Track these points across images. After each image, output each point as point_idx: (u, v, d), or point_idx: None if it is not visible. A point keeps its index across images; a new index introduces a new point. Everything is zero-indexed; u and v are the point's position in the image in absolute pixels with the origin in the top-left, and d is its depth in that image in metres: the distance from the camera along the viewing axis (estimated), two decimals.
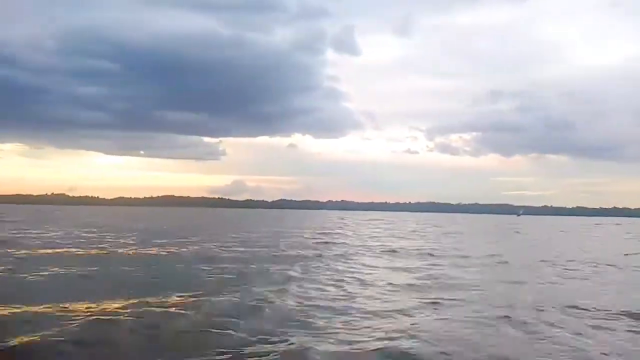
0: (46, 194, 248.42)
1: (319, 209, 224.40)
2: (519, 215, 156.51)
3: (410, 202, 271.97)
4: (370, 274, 17.10)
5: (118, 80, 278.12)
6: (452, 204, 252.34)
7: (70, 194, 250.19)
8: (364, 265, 19.65)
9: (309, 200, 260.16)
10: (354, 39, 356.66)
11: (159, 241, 27.03)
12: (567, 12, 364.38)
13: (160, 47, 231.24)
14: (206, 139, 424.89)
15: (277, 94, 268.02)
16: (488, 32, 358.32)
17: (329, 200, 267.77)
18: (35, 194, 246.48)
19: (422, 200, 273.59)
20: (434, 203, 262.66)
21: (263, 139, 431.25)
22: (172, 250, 22.82)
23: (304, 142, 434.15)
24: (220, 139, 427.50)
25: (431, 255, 23.60)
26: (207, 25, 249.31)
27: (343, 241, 31.85)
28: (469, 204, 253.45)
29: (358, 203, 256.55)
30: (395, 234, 42.69)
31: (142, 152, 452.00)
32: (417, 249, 26.54)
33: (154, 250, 22.46)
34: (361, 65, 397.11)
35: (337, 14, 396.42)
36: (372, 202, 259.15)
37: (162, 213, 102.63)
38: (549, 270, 19.15)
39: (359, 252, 24.82)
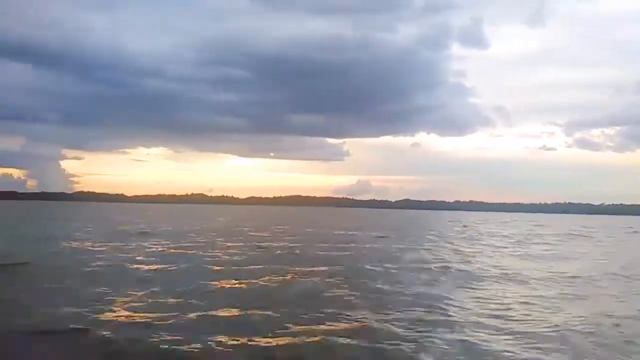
0: (187, 194, 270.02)
1: (445, 209, 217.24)
2: None
3: (545, 203, 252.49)
4: None
5: (250, 86, 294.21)
6: (594, 205, 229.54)
7: (209, 194, 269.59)
8: None
9: (435, 201, 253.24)
10: (482, 31, 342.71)
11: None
12: None
13: (287, 53, 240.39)
14: (330, 140, 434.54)
15: (400, 92, 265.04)
16: (633, 18, 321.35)
17: (456, 201, 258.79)
18: (177, 194, 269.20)
19: (560, 200, 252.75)
20: (572, 204, 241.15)
21: (386, 139, 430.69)
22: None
23: (429, 141, 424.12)
24: (344, 139, 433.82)
25: None
26: (332, 29, 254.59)
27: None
28: (613, 205, 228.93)
29: (488, 204, 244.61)
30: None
31: (271, 154, 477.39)
32: None
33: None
34: (490, 58, 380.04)
35: (464, 6, 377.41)
36: (504, 203, 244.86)
37: (309, 212, 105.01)
38: None
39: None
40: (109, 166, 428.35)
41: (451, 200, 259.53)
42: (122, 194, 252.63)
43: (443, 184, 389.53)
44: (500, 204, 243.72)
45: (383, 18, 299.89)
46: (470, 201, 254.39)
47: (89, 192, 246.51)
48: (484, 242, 32.74)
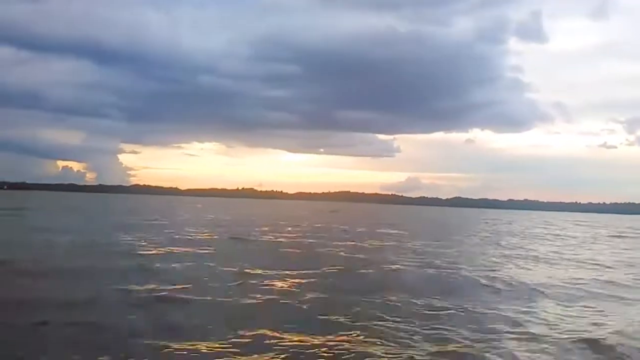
0: (237, 189, 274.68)
1: (497, 207, 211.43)
2: None
3: (604, 203, 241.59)
4: None
5: (301, 82, 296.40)
6: None
7: (258, 189, 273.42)
8: None
9: (487, 199, 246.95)
10: (541, 25, 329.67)
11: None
12: None
13: (338, 49, 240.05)
14: (381, 136, 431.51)
15: (454, 87, 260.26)
16: None
17: (510, 199, 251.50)
18: (228, 188, 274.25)
19: (620, 200, 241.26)
20: (633, 204, 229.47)
21: (439, 135, 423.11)
22: None
23: (483, 137, 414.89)
24: (395, 135, 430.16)
25: None
26: (384, 23, 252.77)
27: None
28: None
29: (543, 203, 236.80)
30: None
31: (321, 149, 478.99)
32: None
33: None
34: (549, 52, 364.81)
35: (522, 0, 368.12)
36: (561, 202, 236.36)
37: (365, 209, 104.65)
38: None
39: None
40: (164, 160, 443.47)
41: (504, 199, 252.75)
42: (176, 187, 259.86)
43: (497, 181, 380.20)
44: (556, 203, 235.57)
45: (437, 11, 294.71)
46: (525, 200, 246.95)
47: (144, 185, 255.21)
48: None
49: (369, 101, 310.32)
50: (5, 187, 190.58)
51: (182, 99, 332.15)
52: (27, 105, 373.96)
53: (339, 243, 24.85)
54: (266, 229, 33.50)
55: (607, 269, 19.58)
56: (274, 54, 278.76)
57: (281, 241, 25.32)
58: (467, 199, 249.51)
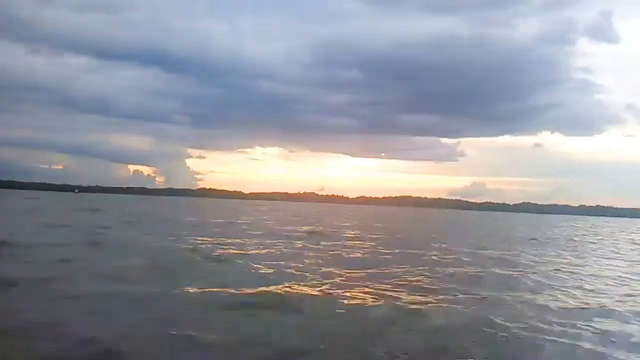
0: (299, 192, 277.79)
1: (568, 213, 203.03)
2: None
3: None
4: None
5: (362, 87, 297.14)
6: None
7: (319, 193, 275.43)
8: None
9: (556, 205, 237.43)
10: (612, 25, 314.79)
11: None
12: None
13: (399, 53, 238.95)
14: (444, 140, 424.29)
15: (520, 90, 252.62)
16: None
17: (581, 205, 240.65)
18: (290, 192, 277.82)
19: None
20: None
21: (505, 139, 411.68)
22: None
23: (552, 141, 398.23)
24: (459, 139, 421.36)
25: None
26: (447, 27, 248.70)
27: None
28: None
29: (617, 209, 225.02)
30: None
31: (382, 154, 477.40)
32: None
33: None
34: (621, 54, 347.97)
35: (591, 0, 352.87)
36: (636, 209, 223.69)
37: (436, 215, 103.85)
38: None
39: None
40: (229, 164, 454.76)
41: (575, 205, 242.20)
42: (240, 191, 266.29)
43: (567, 186, 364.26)
44: (631, 209, 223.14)
45: (501, 14, 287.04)
46: (597, 205, 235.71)
47: (210, 188, 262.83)
48: None
49: (433, 105, 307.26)
50: (77, 190, 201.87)
51: (245, 105, 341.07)
52: (99, 112, 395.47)
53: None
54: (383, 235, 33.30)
55: None
56: (334, 59, 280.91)
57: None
58: (535, 204, 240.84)
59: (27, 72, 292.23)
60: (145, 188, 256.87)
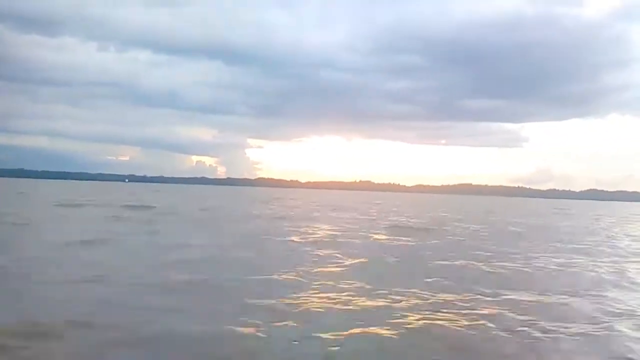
0: (354, 181, 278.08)
1: (637, 200, 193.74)
2: None
3: None
4: None
5: (424, 72, 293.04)
6: None
7: (376, 182, 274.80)
8: None
9: (625, 191, 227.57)
10: None
11: None
12: None
13: (463, 36, 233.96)
14: (507, 125, 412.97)
15: (589, 71, 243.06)
16: None
17: None
18: (345, 181, 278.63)
19: None
20: None
21: (572, 122, 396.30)
22: None
23: (623, 123, 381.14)
24: (523, 124, 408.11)
25: None
26: (512, 7, 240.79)
27: None
28: None
29: None
30: None
31: (443, 141, 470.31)
32: None
33: None
34: None
35: None
36: None
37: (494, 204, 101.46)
38: None
39: None
40: (287, 154, 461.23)
41: None
42: (297, 180, 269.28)
43: (637, 172, 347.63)
44: None
45: None
46: None
47: (268, 178, 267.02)
48: None
49: (496, 89, 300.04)
50: (127, 180, 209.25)
51: (305, 95, 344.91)
52: (163, 105, 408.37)
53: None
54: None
55: None
56: (396, 44, 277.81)
57: None
58: (602, 191, 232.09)
59: (98, 69, 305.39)
60: (205, 178, 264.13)
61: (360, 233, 20.58)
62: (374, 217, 32.26)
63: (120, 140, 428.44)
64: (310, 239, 17.44)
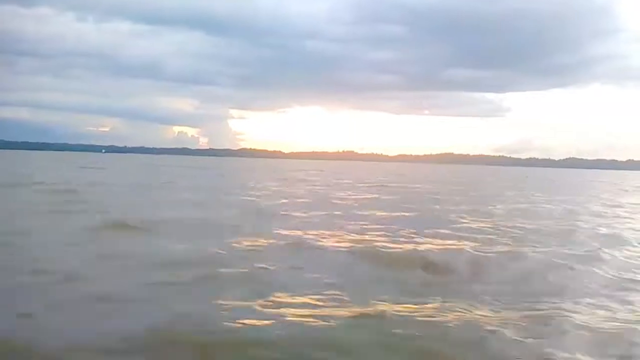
0: (338, 151, 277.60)
1: (615, 169, 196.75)
2: None
3: None
4: None
5: (407, 43, 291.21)
6: None
7: (359, 152, 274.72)
8: None
9: (604, 160, 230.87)
10: None
11: None
12: None
13: (448, 6, 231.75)
14: (490, 95, 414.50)
15: (570, 41, 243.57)
16: None
17: (630, 160, 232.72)
18: (329, 151, 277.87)
19: None
20: None
21: (554, 92, 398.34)
22: None
23: (604, 93, 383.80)
24: (505, 94, 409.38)
25: None
26: None
27: None
28: None
29: None
30: None
31: (426, 111, 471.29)
32: None
33: None
34: None
35: None
36: None
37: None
38: None
39: None
40: (270, 124, 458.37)
41: (623, 159, 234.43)
42: (280, 151, 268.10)
43: (618, 140, 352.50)
44: None
45: None
46: None
47: (251, 149, 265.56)
48: None
49: (478, 59, 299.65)
50: (104, 150, 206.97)
51: (287, 65, 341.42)
52: (145, 75, 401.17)
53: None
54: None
55: None
56: (379, 14, 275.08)
57: None
58: (581, 159, 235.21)
59: (77, 40, 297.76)
60: (187, 148, 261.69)
61: None
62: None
63: (101, 111, 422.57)
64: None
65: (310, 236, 11.90)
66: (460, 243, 11.53)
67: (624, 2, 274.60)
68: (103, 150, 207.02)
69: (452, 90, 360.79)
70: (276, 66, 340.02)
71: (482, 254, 10.31)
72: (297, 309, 6.45)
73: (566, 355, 5.34)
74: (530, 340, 5.70)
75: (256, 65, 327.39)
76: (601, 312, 6.85)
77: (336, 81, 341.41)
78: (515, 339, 5.66)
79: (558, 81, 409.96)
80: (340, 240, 11.69)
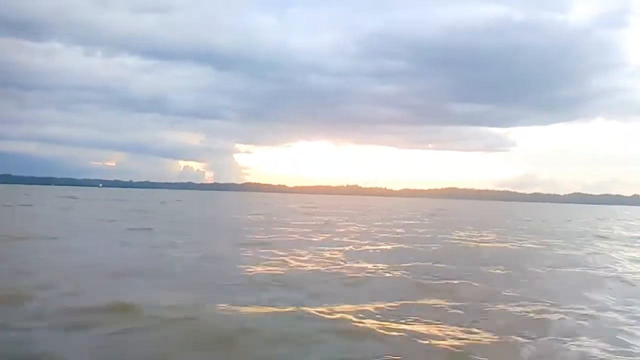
0: (342, 186, 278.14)
1: (621, 204, 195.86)
2: None
3: None
4: None
5: (411, 77, 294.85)
6: None
7: (363, 186, 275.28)
8: None
9: (609, 195, 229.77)
10: None
11: None
12: None
13: (449, 40, 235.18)
14: (494, 130, 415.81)
15: (575, 76, 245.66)
16: None
17: (635, 195, 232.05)
18: (333, 185, 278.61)
19: None
20: None
21: (558, 127, 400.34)
22: None
23: (609, 128, 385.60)
24: (510, 128, 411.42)
25: None
26: (499, 12, 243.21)
27: None
28: None
29: None
30: None
31: (430, 145, 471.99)
32: None
33: None
34: None
35: None
36: None
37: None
38: None
39: None
40: (274, 159, 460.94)
41: (629, 194, 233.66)
42: (284, 185, 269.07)
43: (624, 176, 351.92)
44: None
45: None
46: None
47: (255, 183, 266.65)
48: None
49: (483, 93, 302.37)
50: (101, 185, 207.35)
51: (292, 99, 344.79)
52: (151, 110, 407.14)
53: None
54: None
55: None
56: (383, 49, 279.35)
57: None
58: (587, 195, 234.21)
59: (85, 74, 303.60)
60: (192, 183, 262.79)
61: None
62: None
63: (107, 145, 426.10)
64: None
65: None
66: None
67: (627, 37, 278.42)
68: (100, 185, 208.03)
69: (456, 125, 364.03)
70: (281, 100, 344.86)
71: None
72: None
73: None
74: None
75: (261, 99, 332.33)
76: None
77: (340, 115, 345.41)
78: None
79: (562, 115, 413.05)
80: None
